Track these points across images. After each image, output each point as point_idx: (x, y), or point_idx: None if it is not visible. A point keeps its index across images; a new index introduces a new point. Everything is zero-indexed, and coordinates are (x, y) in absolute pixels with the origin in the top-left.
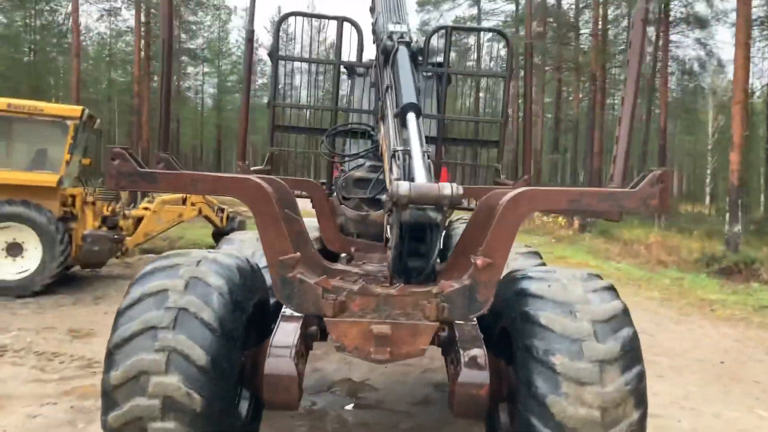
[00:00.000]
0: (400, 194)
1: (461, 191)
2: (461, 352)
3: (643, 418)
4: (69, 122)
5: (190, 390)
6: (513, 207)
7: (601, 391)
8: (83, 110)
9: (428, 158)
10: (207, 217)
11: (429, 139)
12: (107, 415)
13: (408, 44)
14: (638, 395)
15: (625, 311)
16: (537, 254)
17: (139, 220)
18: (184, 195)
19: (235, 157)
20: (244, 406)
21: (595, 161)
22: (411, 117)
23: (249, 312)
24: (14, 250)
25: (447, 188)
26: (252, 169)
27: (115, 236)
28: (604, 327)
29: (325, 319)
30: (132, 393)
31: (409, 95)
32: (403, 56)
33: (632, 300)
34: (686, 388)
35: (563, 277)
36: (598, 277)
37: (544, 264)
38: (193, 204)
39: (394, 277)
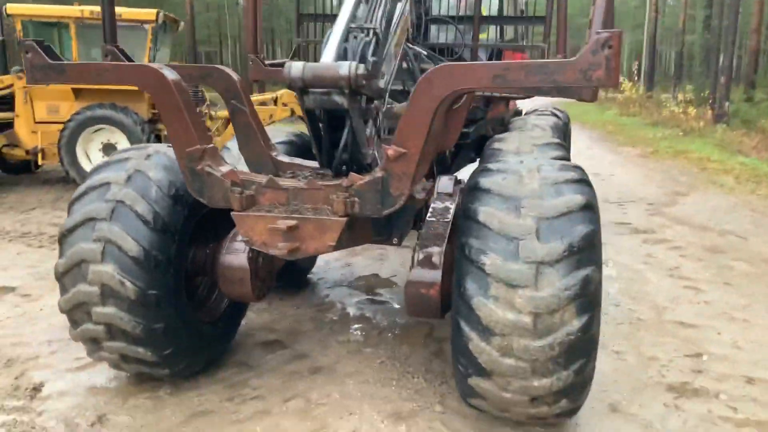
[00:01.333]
0: (293, 77)
1: (362, 71)
2: (418, 249)
3: (587, 327)
4: (147, 26)
5: (123, 278)
6: (426, 88)
7: (534, 295)
8: (158, 13)
9: (367, 36)
10: (302, 118)
11: (465, 18)
12: (60, 298)
13: None
14: (582, 302)
15: (587, 206)
16: (559, 146)
17: (228, 121)
18: (275, 95)
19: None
20: (214, 299)
21: (752, 40)
22: None
23: (194, 207)
24: (109, 150)
25: (344, 67)
26: (268, 63)
27: None
28: (550, 224)
29: (231, 213)
30: (75, 280)
31: None
32: None
33: (743, 199)
34: (752, 298)
35: (524, 168)
36: (576, 168)
37: (564, 158)
38: (284, 104)
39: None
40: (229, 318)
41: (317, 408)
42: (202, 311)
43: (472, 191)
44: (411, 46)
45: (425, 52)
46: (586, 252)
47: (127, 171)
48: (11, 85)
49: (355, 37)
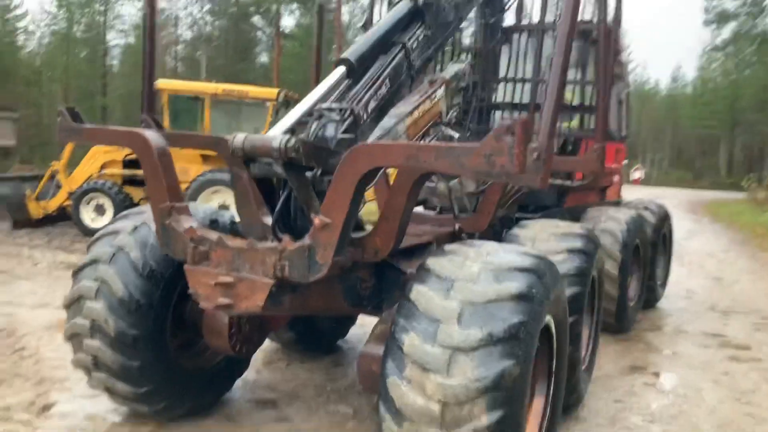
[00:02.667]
0: (234, 146)
1: (292, 144)
2: (377, 323)
3: (497, 426)
4: (268, 103)
5: (108, 316)
6: (350, 163)
7: (444, 382)
8: (279, 92)
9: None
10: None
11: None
12: (65, 326)
13: None
14: (494, 397)
15: (520, 296)
16: (583, 238)
17: None
18: None
19: None
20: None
21: None
22: (336, 70)
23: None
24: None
25: (275, 141)
26: None
27: None
28: (475, 310)
29: (184, 266)
30: (75, 313)
31: (350, 50)
32: (397, 8)
33: None
34: None
35: (474, 251)
36: (536, 259)
37: (580, 250)
38: None
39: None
40: (221, 371)
41: None
42: (188, 359)
43: (419, 270)
44: (446, 129)
45: (457, 135)
46: (508, 344)
47: (134, 222)
48: None
49: (320, 116)
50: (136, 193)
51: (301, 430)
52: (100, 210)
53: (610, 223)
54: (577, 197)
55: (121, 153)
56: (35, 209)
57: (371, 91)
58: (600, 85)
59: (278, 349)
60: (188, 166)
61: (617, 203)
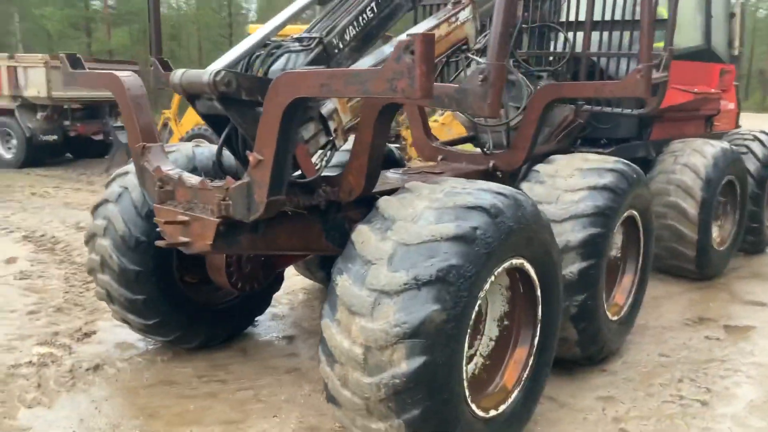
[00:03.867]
0: (173, 83)
1: (221, 77)
2: None
3: (418, 374)
4: None
5: (112, 253)
6: (272, 95)
7: (367, 325)
8: None
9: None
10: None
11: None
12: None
13: None
14: (415, 344)
15: (457, 238)
16: (615, 173)
17: None
18: None
19: None
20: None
21: None
22: None
23: None
24: None
25: (205, 75)
26: None
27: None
28: (407, 251)
29: (153, 204)
30: (90, 248)
31: None
32: None
33: None
34: None
35: (431, 189)
36: (499, 195)
37: (605, 188)
38: None
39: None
40: (237, 307)
41: (256, 402)
42: (199, 294)
43: (372, 209)
44: (471, 56)
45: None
46: (434, 288)
47: None
48: None
49: (276, 47)
50: None
51: (305, 366)
52: None
53: (693, 157)
54: (666, 128)
55: None
56: None
57: (350, 17)
58: None
59: (322, 288)
60: None
61: (720, 135)
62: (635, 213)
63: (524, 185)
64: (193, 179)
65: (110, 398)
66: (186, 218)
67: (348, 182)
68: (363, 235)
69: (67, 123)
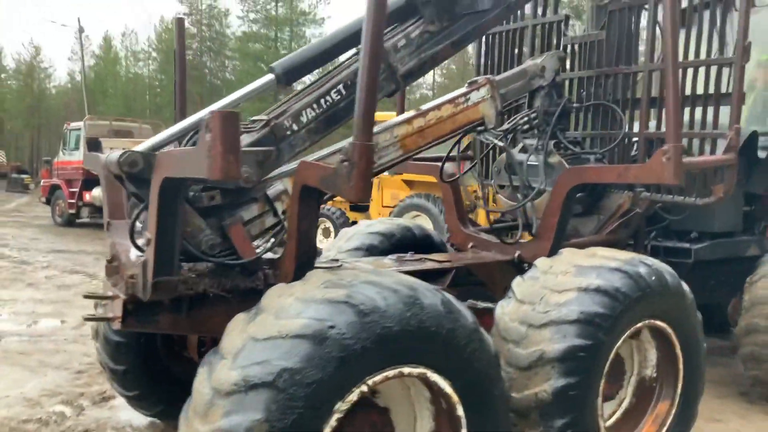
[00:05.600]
0: (102, 164)
1: (124, 158)
2: None
3: None
4: None
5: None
6: (155, 175)
7: (198, 428)
8: None
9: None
10: None
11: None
12: None
13: None
14: None
15: (303, 336)
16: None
17: None
18: None
19: None
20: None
21: None
22: (264, 77)
23: None
24: None
25: (111, 156)
26: None
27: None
28: (255, 347)
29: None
30: None
31: (282, 60)
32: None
33: None
34: None
35: (316, 279)
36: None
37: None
38: None
39: None
40: None
41: None
42: (181, 367)
43: None
44: (488, 135)
45: (500, 143)
46: (261, 393)
47: None
48: None
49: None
50: (359, 217)
51: None
52: (326, 233)
53: None
54: None
55: None
56: None
57: (308, 99)
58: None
59: None
60: (398, 191)
61: None
62: (663, 325)
63: (515, 281)
64: (133, 256)
65: None
66: (110, 294)
67: (284, 266)
68: (233, 324)
69: None
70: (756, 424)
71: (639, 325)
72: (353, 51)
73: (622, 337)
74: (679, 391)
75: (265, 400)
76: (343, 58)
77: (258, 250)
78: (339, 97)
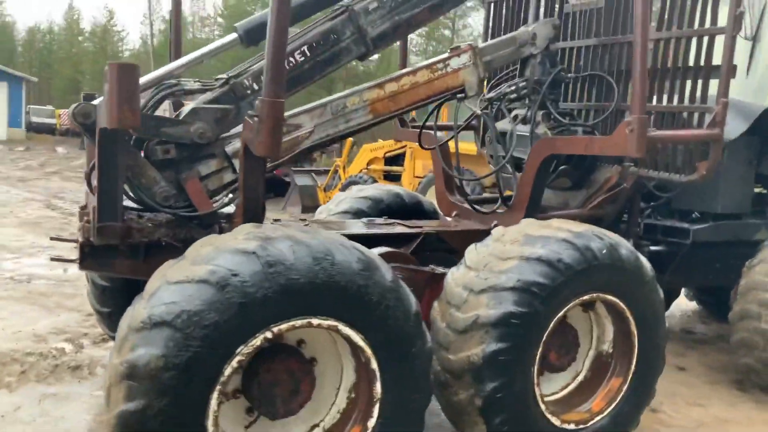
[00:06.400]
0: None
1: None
2: None
3: (132, 418)
4: None
5: None
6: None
7: (113, 360)
8: None
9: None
10: None
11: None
12: None
13: None
14: (131, 386)
15: (205, 282)
16: (560, 242)
17: None
18: None
19: None
20: None
21: None
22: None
23: None
24: None
25: (72, 107)
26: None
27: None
28: (167, 289)
29: None
30: None
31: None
32: None
33: None
34: None
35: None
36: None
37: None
38: None
39: None
40: None
41: None
42: None
43: None
44: (468, 102)
45: (478, 111)
46: (161, 331)
47: None
48: (404, 146)
49: (166, 85)
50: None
51: None
52: None
53: None
54: None
55: (383, 151)
56: (322, 198)
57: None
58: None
59: None
60: (429, 162)
61: None
62: (615, 300)
63: (468, 248)
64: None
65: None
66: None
67: (236, 221)
68: (159, 268)
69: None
70: (742, 412)
71: (585, 297)
72: (320, 13)
73: (564, 308)
74: (632, 368)
75: (164, 338)
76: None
77: (216, 205)
78: (303, 58)
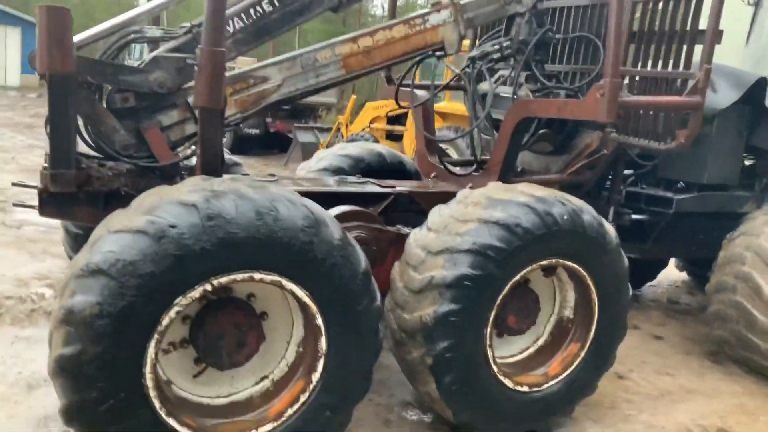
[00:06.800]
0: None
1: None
2: None
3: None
4: None
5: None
6: None
7: (55, 305)
8: None
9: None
10: None
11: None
12: None
13: None
14: (68, 332)
15: (141, 232)
16: (520, 206)
17: None
18: None
19: None
20: None
21: None
22: None
23: None
24: None
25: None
26: None
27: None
28: (107, 238)
29: None
30: None
31: None
32: None
33: None
34: None
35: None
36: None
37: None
38: None
39: None
40: None
41: None
42: None
43: None
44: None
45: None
46: (95, 278)
47: None
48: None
49: (127, 34)
50: (393, 146)
51: None
52: None
53: None
54: None
55: (386, 110)
56: None
57: (236, 8)
58: None
59: None
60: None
61: None
62: (575, 266)
63: (432, 210)
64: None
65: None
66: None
67: (198, 173)
68: (107, 218)
69: (268, 120)
70: (709, 383)
71: (544, 262)
72: None
73: (521, 272)
74: (591, 335)
75: (100, 285)
76: None
77: (181, 156)
78: (271, 8)
